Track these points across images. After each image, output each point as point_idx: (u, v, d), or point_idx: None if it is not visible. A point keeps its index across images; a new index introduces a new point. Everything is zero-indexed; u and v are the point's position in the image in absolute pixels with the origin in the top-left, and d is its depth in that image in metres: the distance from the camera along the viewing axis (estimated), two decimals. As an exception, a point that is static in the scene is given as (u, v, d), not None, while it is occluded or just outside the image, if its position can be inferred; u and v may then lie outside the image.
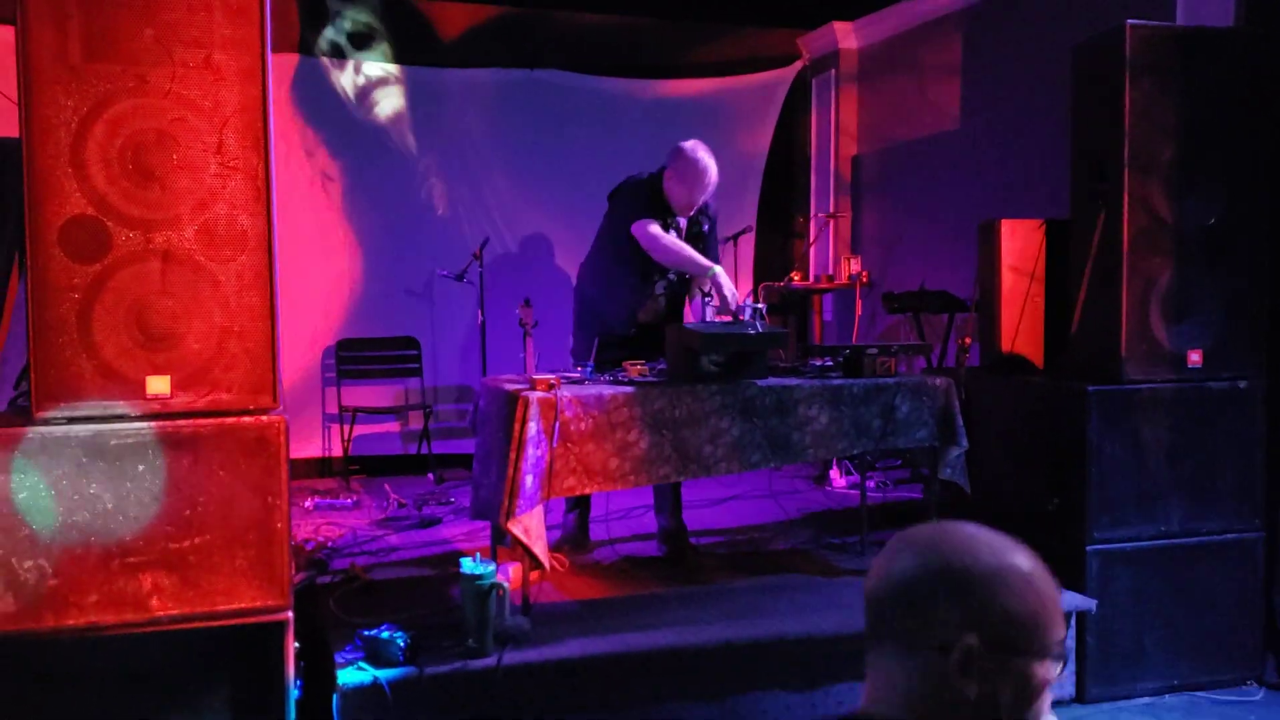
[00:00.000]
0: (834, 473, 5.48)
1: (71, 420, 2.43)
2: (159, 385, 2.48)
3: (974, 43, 5.79)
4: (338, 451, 5.81)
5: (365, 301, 6.00)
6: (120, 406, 2.46)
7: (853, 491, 5.20)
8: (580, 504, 4.15)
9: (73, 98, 2.39)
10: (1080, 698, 3.35)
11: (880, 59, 6.70)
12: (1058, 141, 4.10)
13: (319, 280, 5.92)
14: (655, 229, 3.84)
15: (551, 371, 3.51)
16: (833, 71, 6.90)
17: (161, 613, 2.48)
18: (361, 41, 5.97)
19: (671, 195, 3.88)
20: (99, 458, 2.44)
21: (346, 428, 5.72)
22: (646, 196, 3.91)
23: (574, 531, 4.12)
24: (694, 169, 3.81)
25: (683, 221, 3.99)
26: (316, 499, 5.04)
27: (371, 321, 5.99)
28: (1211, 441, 3.45)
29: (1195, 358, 3.43)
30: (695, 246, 3.94)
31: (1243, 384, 3.48)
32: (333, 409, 5.83)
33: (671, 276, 4.05)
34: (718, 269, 3.75)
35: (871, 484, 4.96)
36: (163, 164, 2.46)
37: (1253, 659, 3.51)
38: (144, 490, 2.47)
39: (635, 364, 3.53)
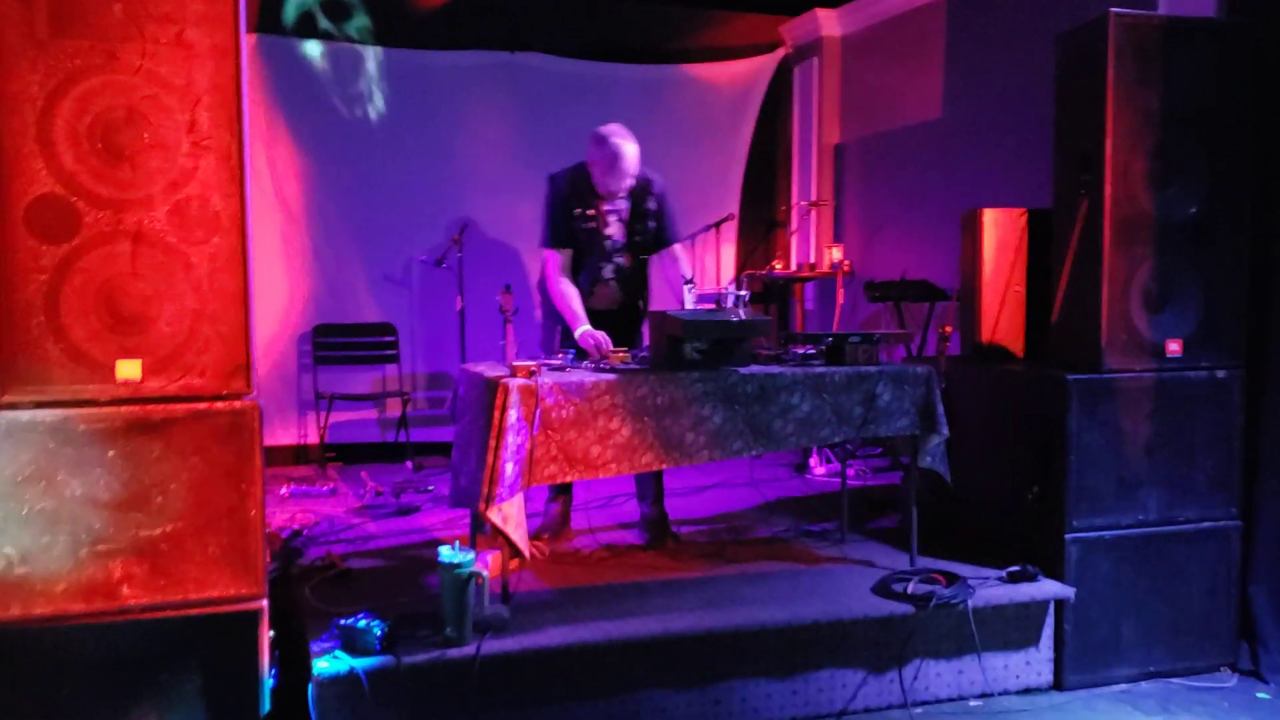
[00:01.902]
0: (814, 460, 5.48)
1: (39, 405, 2.38)
2: (129, 369, 2.44)
3: (957, 30, 5.77)
4: (314, 438, 5.76)
5: (343, 287, 5.94)
6: (89, 391, 2.41)
7: (833, 479, 5.20)
8: (563, 492, 4.12)
9: (39, 73, 2.34)
10: (1058, 685, 3.36)
11: (863, 46, 6.68)
12: (1041, 130, 4.09)
13: (296, 264, 5.85)
14: (551, 270, 3.86)
15: (531, 358, 3.47)
16: (815, 59, 6.87)
17: (133, 601, 2.45)
18: (338, 20, 5.88)
19: (595, 181, 3.85)
20: (67, 443, 2.39)
21: (323, 414, 5.66)
22: (560, 199, 3.87)
23: (555, 519, 4.09)
24: (607, 154, 3.76)
25: (623, 203, 3.90)
26: (292, 486, 4.99)
27: (349, 307, 5.94)
28: (1190, 431, 3.47)
29: (1175, 347, 3.44)
30: (644, 226, 3.93)
31: (1221, 374, 3.49)
32: (309, 395, 5.77)
33: (620, 260, 3.98)
34: (582, 329, 3.70)
35: (851, 472, 4.95)
36: (133, 143, 2.41)
37: (1227, 646, 3.53)
38: (114, 477, 2.42)
39: (617, 351, 3.51)
